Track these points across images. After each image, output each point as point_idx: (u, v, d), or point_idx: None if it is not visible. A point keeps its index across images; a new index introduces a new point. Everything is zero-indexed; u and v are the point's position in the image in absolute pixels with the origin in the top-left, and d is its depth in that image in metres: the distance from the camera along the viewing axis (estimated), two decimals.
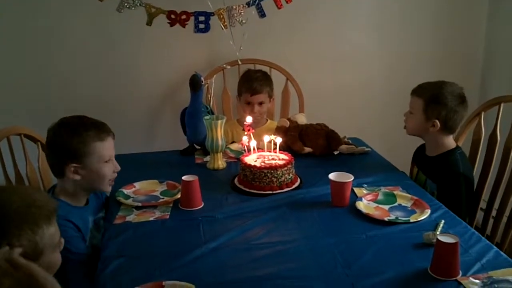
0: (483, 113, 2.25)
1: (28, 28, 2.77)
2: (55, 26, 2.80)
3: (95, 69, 2.91)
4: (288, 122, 2.36)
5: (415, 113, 2.09)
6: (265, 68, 2.85)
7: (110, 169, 1.82)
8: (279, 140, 2.02)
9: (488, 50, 3.23)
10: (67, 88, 2.89)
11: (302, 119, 2.43)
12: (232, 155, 2.31)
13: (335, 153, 2.29)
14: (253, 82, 2.59)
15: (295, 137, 2.30)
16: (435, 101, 2.03)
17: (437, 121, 2.03)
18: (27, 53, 2.81)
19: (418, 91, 2.09)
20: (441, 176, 2.05)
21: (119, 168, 1.86)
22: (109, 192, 1.91)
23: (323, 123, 2.35)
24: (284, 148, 2.14)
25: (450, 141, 2.11)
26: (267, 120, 2.75)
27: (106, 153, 1.78)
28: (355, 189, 1.89)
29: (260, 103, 2.62)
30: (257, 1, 2.93)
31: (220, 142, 2.14)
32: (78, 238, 1.72)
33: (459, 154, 2.08)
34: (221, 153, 2.20)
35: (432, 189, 2.05)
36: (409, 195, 1.83)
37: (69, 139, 1.73)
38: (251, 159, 1.98)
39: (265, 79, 2.66)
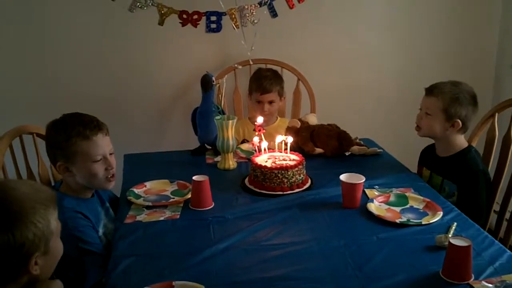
0: (497, 114, 2.22)
1: (38, 28, 2.79)
2: (66, 26, 2.81)
3: (107, 70, 2.92)
4: (299, 123, 2.35)
5: (433, 114, 2.06)
6: (277, 68, 2.84)
7: (101, 168, 1.76)
8: (290, 140, 2.02)
9: (501, 50, 3.19)
10: (79, 88, 2.90)
11: (313, 120, 2.42)
12: (243, 155, 2.30)
13: (347, 154, 2.27)
14: (263, 81, 2.59)
15: (306, 138, 2.28)
16: (457, 100, 2.01)
17: (458, 121, 2.01)
18: (39, 53, 2.83)
19: (435, 91, 2.06)
20: (460, 176, 2.03)
21: (113, 165, 1.79)
22: (110, 188, 1.87)
23: (334, 124, 2.34)
24: (295, 148, 2.13)
25: (462, 141, 2.10)
26: (277, 118, 2.75)
27: (93, 152, 1.73)
28: (367, 191, 1.88)
29: (270, 102, 2.62)
30: (269, 1, 2.93)
31: (231, 142, 2.14)
32: (90, 227, 1.73)
33: (474, 151, 2.07)
34: (232, 153, 2.20)
35: (452, 190, 2.03)
36: (421, 197, 1.82)
37: (57, 137, 1.72)
38: (262, 160, 1.98)
39: (275, 78, 2.65)
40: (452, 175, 2.07)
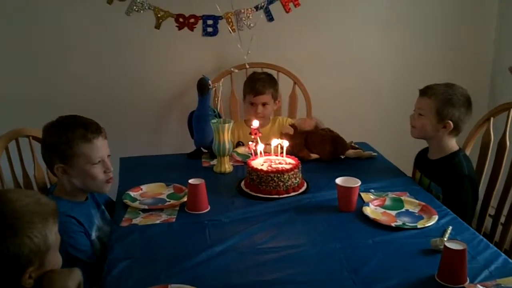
0: (492, 118, 2.23)
1: (37, 30, 2.79)
2: (64, 29, 2.81)
3: (103, 72, 2.92)
4: (293, 130, 2.34)
5: (426, 114, 2.06)
6: (273, 72, 2.85)
7: (100, 171, 1.78)
8: (286, 144, 2.02)
9: (497, 54, 3.21)
10: (75, 90, 2.90)
11: (310, 123, 2.40)
12: (239, 158, 2.30)
13: (342, 157, 2.28)
14: (256, 83, 2.60)
15: (301, 145, 2.28)
16: (450, 102, 2.01)
17: (450, 122, 2.02)
18: (36, 56, 2.83)
19: (429, 92, 2.06)
20: (446, 179, 2.04)
21: (111, 168, 1.81)
22: (106, 191, 1.87)
23: (327, 128, 2.33)
24: (291, 152, 2.13)
25: (453, 144, 2.10)
26: (270, 119, 2.75)
27: (93, 155, 1.74)
28: (362, 194, 1.88)
29: (264, 104, 2.62)
30: (265, 5, 2.94)
31: (227, 146, 2.14)
32: (82, 234, 1.72)
33: (462, 156, 2.08)
34: (228, 157, 2.20)
35: (438, 193, 2.04)
36: (417, 201, 1.82)
37: (56, 139, 1.72)
38: (258, 163, 1.98)
39: (269, 80, 2.66)
40: (438, 178, 2.07)
